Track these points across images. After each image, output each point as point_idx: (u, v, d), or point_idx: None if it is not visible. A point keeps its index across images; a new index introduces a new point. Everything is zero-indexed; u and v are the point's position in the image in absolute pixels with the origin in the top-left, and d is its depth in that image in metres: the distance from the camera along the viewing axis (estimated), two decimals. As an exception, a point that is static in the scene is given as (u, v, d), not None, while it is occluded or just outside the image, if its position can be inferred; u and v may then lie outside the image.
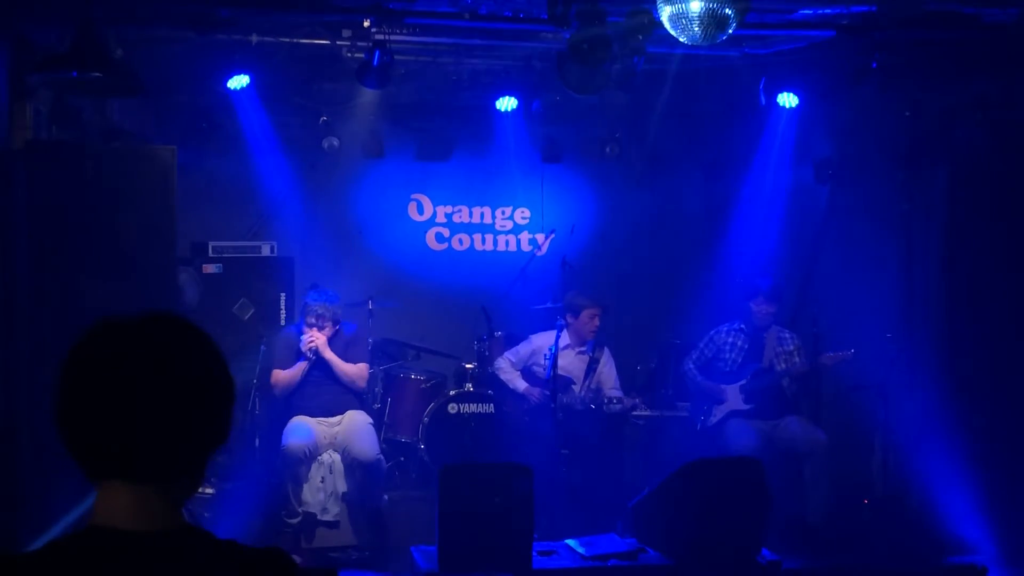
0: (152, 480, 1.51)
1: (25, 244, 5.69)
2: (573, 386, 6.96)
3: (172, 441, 1.50)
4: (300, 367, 6.47)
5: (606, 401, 7.01)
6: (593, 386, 7.11)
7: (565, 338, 7.07)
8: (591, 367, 7.14)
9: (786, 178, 7.90)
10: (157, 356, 1.50)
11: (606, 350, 7.24)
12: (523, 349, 7.22)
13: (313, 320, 6.45)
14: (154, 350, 1.50)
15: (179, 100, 7.22)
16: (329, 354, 6.46)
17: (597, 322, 7.08)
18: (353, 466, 6.20)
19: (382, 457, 6.30)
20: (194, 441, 1.53)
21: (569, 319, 7.09)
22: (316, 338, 6.43)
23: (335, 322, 6.55)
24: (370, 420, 6.55)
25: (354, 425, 6.40)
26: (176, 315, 1.58)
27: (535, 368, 7.17)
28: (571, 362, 7.12)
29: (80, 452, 1.50)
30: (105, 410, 1.47)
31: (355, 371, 6.55)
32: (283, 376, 6.51)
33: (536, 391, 7.02)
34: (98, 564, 1.46)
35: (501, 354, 7.29)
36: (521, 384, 7.12)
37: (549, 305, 7.40)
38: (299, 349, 6.46)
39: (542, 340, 7.15)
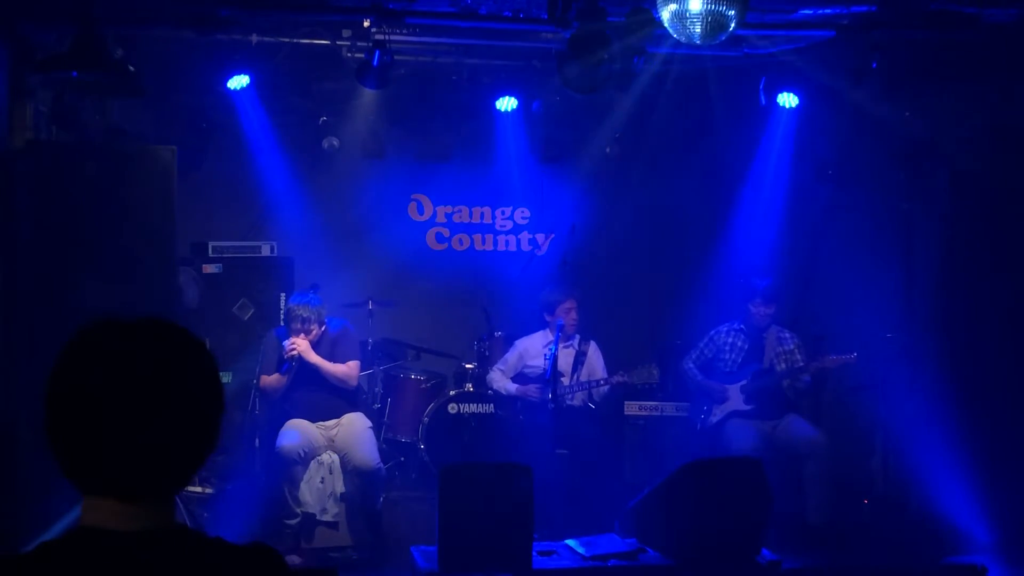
0: (140, 499, 1.50)
1: (25, 244, 5.69)
2: (562, 378, 6.97)
3: (158, 457, 1.49)
4: (285, 374, 6.28)
5: (594, 386, 7.05)
6: (583, 378, 7.13)
7: (549, 335, 7.10)
8: (578, 359, 7.17)
9: (786, 178, 7.89)
10: (145, 367, 1.48)
11: (592, 343, 7.27)
12: (511, 356, 7.25)
13: (298, 325, 6.24)
14: (142, 360, 1.48)
15: (179, 100, 7.22)
16: (314, 358, 6.25)
17: (575, 314, 7.11)
18: (352, 473, 6.17)
19: (382, 465, 6.23)
20: (181, 456, 1.52)
21: (547, 317, 7.16)
22: (298, 344, 6.21)
23: (320, 323, 6.33)
24: (369, 424, 6.43)
25: (353, 430, 6.30)
26: (167, 321, 1.55)
27: (526, 370, 7.20)
28: (559, 356, 7.13)
29: (66, 465, 1.49)
30: (88, 422, 1.45)
31: (343, 371, 6.34)
32: (270, 382, 6.37)
33: (530, 387, 7.03)
34: (86, 565, 1.46)
35: (500, 354, 7.30)
36: (512, 387, 7.13)
37: (536, 308, 7.41)
38: (283, 355, 6.28)
39: (527, 343, 7.25)
